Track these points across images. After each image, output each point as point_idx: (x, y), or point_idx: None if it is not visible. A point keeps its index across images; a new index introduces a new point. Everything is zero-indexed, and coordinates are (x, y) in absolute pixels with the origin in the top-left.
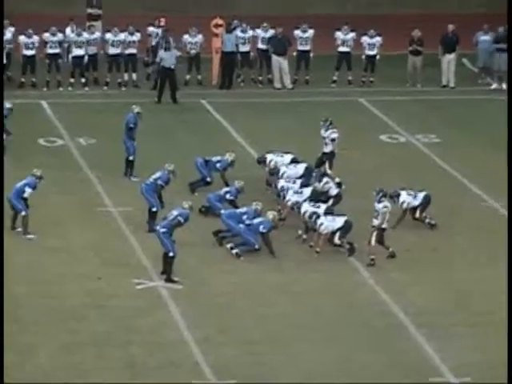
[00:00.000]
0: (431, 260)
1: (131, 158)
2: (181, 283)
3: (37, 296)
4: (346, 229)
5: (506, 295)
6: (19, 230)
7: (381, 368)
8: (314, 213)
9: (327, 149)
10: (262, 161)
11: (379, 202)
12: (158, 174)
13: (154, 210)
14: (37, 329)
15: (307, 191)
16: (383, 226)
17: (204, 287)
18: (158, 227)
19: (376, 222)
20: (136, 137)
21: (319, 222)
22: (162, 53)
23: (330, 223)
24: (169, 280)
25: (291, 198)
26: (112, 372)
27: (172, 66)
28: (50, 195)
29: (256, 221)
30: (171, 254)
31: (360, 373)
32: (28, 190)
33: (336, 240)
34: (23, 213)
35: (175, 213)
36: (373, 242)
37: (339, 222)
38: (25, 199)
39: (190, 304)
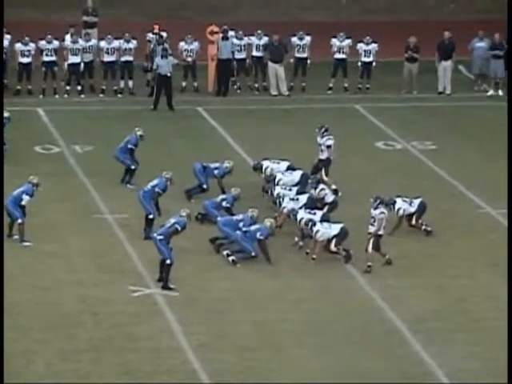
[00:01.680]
0: (428, 266)
1: (133, 167)
2: (177, 290)
3: (33, 302)
4: (341, 236)
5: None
6: (16, 237)
7: (378, 374)
8: (310, 220)
9: (323, 156)
10: (257, 168)
11: (376, 208)
12: (155, 181)
13: (151, 217)
14: (33, 335)
15: (303, 198)
16: (380, 232)
17: (200, 294)
18: (154, 234)
19: (372, 229)
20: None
21: (315, 229)
22: (158, 60)
23: (326, 230)
24: (165, 287)
25: (287, 205)
26: (108, 379)
27: (168, 74)
28: (47, 202)
29: (253, 228)
30: (168, 262)
31: (357, 379)
32: (26, 198)
33: (332, 247)
34: (19, 220)
35: (172, 220)
36: (369, 248)
37: (335, 229)
38: (22, 207)
39: (187, 311)
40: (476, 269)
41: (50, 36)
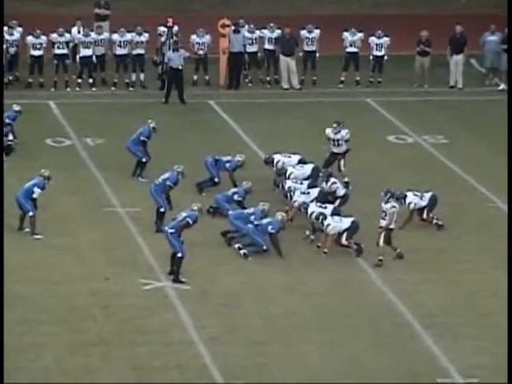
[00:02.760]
0: (438, 261)
1: (144, 159)
2: (188, 283)
3: (43, 296)
4: (352, 229)
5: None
6: (27, 230)
7: (389, 369)
8: (321, 213)
9: (340, 149)
10: (269, 161)
11: (387, 202)
12: (167, 175)
13: (162, 210)
14: (42, 329)
15: (314, 192)
16: (391, 226)
17: (211, 287)
18: (166, 228)
19: (384, 223)
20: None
21: (326, 222)
22: (169, 53)
23: (337, 224)
24: (177, 280)
25: (298, 198)
26: (118, 373)
27: (179, 67)
28: (58, 195)
29: (265, 221)
30: (180, 255)
31: (368, 373)
32: (37, 191)
33: (343, 241)
34: (31, 213)
35: (184, 214)
36: (381, 242)
37: (346, 222)
38: (33, 199)
39: (198, 304)
40: (486, 263)
41: (61, 29)
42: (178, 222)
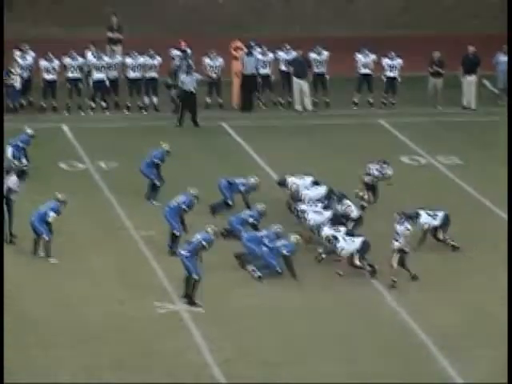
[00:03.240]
0: (453, 281)
1: (158, 183)
2: (202, 306)
3: (58, 319)
4: (364, 249)
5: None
6: (41, 254)
7: None
8: (334, 237)
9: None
10: (282, 183)
11: (401, 224)
12: (181, 198)
13: (176, 233)
14: (57, 352)
15: (328, 213)
16: (405, 249)
17: (226, 310)
18: (181, 251)
19: (396, 244)
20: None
21: (339, 246)
22: (183, 77)
23: (349, 246)
24: (191, 303)
25: (311, 220)
26: None
27: (193, 90)
28: (72, 218)
29: (279, 243)
30: (195, 277)
31: None
32: (52, 215)
33: (356, 262)
34: (46, 237)
35: (199, 237)
36: (394, 264)
37: (357, 242)
38: (48, 223)
39: (212, 327)
40: (502, 284)
41: (74, 53)
42: (193, 245)
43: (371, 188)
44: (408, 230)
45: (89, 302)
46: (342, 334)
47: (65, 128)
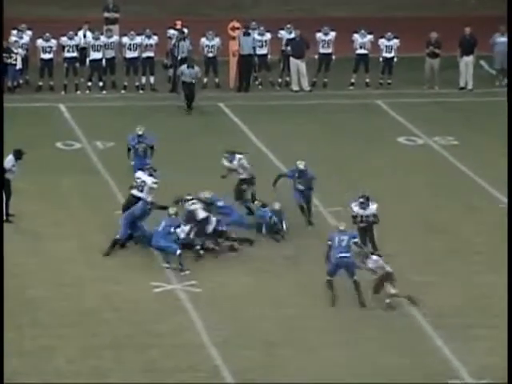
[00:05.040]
0: (450, 262)
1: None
2: (199, 286)
3: (55, 299)
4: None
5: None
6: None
7: (400, 369)
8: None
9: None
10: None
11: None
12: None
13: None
14: (55, 332)
15: None
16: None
17: (223, 290)
18: (152, 243)
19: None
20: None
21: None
22: (184, 68)
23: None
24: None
25: None
26: (130, 375)
27: (192, 81)
28: (68, 198)
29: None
30: (178, 252)
31: (379, 374)
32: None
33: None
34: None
35: (163, 223)
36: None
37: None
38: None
39: (209, 307)
40: (499, 265)
41: (71, 32)
42: (160, 231)
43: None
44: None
45: (86, 281)
46: (338, 313)
47: (62, 107)
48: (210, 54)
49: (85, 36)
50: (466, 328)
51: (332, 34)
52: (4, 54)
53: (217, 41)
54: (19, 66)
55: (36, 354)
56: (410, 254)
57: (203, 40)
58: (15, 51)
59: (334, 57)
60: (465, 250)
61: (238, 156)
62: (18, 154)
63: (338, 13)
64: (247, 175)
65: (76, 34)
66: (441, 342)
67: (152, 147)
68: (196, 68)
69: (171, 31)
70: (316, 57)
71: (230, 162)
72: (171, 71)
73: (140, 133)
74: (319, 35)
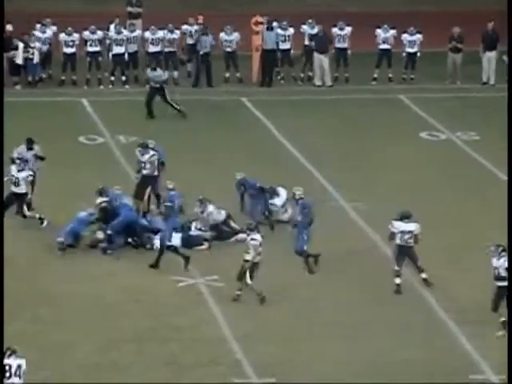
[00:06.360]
0: (473, 257)
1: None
2: (221, 281)
3: (76, 294)
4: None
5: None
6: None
7: (420, 364)
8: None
9: None
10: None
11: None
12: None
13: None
14: (76, 326)
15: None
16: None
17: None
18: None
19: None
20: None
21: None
22: (148, 71)
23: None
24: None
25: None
26: (152, 369)
27: (157, 86)
28: (90, 192)
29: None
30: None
31: (399, 369)
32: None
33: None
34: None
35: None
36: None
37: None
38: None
39: (230, 301)
40: None
41: (93, 26)
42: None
43: None
44: (255, 240)
45: (106, 275)
46: (358, 308)
47: (84, 102)
48: (229, 49)
49: (108, 29)
50: (487, 323)
51: (348, 29)
52: (25, 49)
53: (235, 35)
54: (36, 60)
55: (56, 348)
56: (430, 248)
57: (222, 35)
58: (32, 45)
59: (349, 51)
60: (485, 244)
61: (151, 152)
62: (29, 144)
63: (360, 8)
64: (151, 173)
65: (99, 29)
66: (463, 338)
67: (163, 163)
68: (159, 71)
69: (184, 27)
70: (333, 52)
71: (142, 155)
72: (189, 66)
73: (151, 146)
74: (335, 30)
